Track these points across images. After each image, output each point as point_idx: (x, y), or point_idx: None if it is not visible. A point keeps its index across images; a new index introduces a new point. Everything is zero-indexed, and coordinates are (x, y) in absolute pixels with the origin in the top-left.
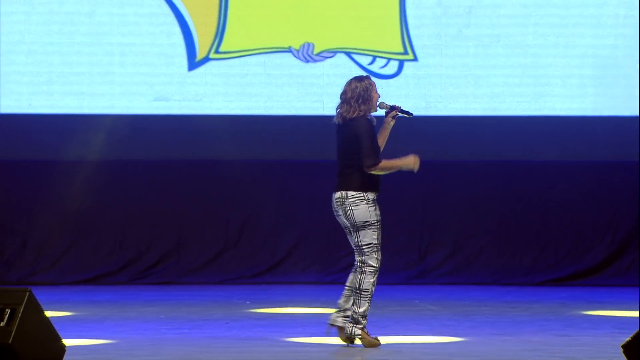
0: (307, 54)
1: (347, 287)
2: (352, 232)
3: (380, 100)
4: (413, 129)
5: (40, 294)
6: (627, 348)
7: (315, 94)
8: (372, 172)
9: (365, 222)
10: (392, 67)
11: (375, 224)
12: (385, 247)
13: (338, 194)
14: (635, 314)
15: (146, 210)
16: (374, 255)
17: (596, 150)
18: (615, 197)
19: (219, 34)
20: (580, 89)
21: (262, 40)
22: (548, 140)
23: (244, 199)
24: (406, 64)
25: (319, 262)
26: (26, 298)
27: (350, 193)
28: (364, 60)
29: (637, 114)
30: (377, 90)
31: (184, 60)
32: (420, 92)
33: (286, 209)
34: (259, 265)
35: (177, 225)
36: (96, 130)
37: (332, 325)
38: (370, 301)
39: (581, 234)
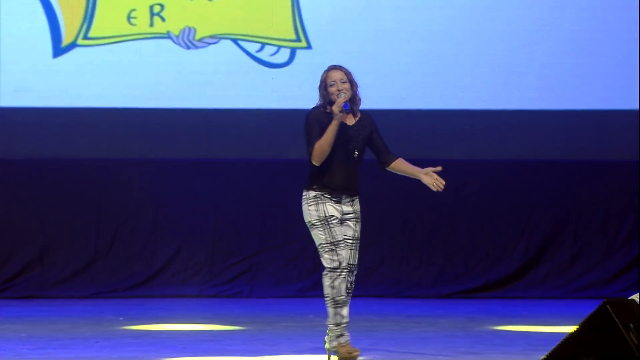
0: (188, 40)
1: None
2: None
3: (342, 95)
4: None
5: None
6: None
7: (198, 84)
8: (316, 161)
9: (308, 222)
10: (284, 55)
11: (318, 223)
12: (275, 255)
13: None
14: (551, 329)
15: (6, 214)
16: (326, 256)
17: (508, 148)
18: (531, 199)
19: (87, 17)
20: (492, 80)
21: (137, 24)
22: (456, 136)
23: (117, 202)
24: (299, 51)
25: (202, 272)
26: None
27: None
28: (252, 47)
29: (550, 109)
30: (333, 81)
31: (48, 47)
32: (314, 83)
33: (165, 213)
34: (134, 277)
35: (40, 232)
36: None
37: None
38: (336, 306)
39: (493, 240)
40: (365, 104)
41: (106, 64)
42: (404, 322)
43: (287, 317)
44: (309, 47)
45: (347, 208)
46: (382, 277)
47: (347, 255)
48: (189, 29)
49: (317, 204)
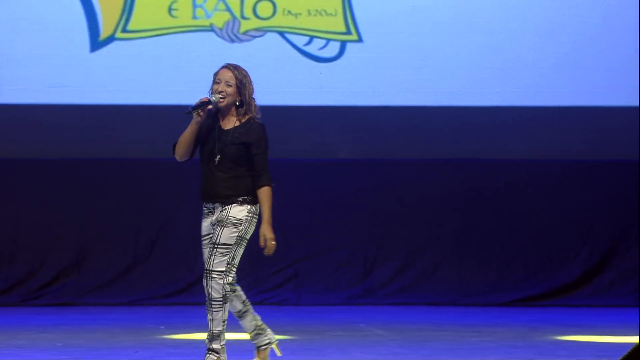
0: (232, 33)
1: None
2: None
3: (214, 96)
4: (357, 121)
5: None
6: None
7: None
8: (176, 157)
9: None
10: (333, 49)
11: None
12: (323, 260)
13: None
14: (617, 339)
15: (40, 217)
16: None
17: (572, 147)
18: (595, 202)
19: (126, 9)
20: (553, 77)
21: (179, 16)
22: (516, 135)
23: (157, 204)
24: (349, 45)
25: (247, 279)
26: None
27: None
28: (300, 41)
29: (614, 105)
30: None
31: (85, 40)
32: (365, 78)
33: None
34: (175, 283)
35: (77, 236)
36: None
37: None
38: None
39: (555, 244)
40: (417, 101)
41: (146, 59)
42: (460, 331)
43: (337, 326)
44: (360, 40)
45: (216, 217)
46: (437, 284)
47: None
48: (234, 21)
49: (202, 219)
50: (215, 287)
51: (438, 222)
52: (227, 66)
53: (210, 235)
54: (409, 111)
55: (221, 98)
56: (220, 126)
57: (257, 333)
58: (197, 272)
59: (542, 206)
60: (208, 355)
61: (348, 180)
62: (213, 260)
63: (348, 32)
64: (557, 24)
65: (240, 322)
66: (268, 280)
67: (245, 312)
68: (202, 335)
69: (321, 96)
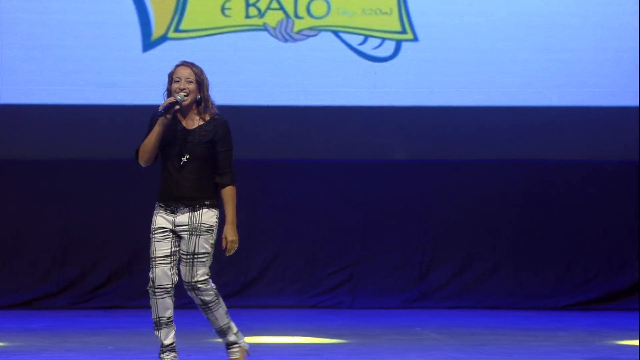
0: (286, 32)
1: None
2: None
3: (179, 95)
4: (413, 122)
5: None
6: None
7: (295, 80)
8: (140, 162)
9: None
10: (388, 49)
11: (150, 235)
12: (379, 263)
13: None
14: None
15: (92, 219)
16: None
17: (632, 148)
18: None
19: (179, 8)
20: (614, 76)
21: (232, 15)
22: (576, 135)
23: None
24: (404, 44)
25: (301, 281)
26: None
27: None
28: (354, 40)
29: None
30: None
31: (137, 40)
32: (421, 78)
33: (261, 218)
34: (228, 286)
35: (129, 238)
36: (27, 124)
37: None
38: (154, 328)
39: (615, 247)
40: (474, 101)
41: (198, 59)
42: (518, 335)
43: (392, 330)
44: (415, 39)
45: (182, 219)
46: (494, 287)
47: (162, 273)
48: (287, 20)
49: (154, 215)
50: (205, 293)
51: (495, 224)
52: (184, 63)
53: (166, 229)
54: (466, 111)
55: (185, 95)
56: (183, 127)
57: (170, 350)
58: (249, 275)
59: (602, 207)
60: (230, 350)
61: (403, 181)
62: (196, 271)
63: (403, 31)
64: (618, 20)
65: (160, 330)
66: (323, 283)
67: (169, 322)
68: (255, 339)
69: (376, 96)
